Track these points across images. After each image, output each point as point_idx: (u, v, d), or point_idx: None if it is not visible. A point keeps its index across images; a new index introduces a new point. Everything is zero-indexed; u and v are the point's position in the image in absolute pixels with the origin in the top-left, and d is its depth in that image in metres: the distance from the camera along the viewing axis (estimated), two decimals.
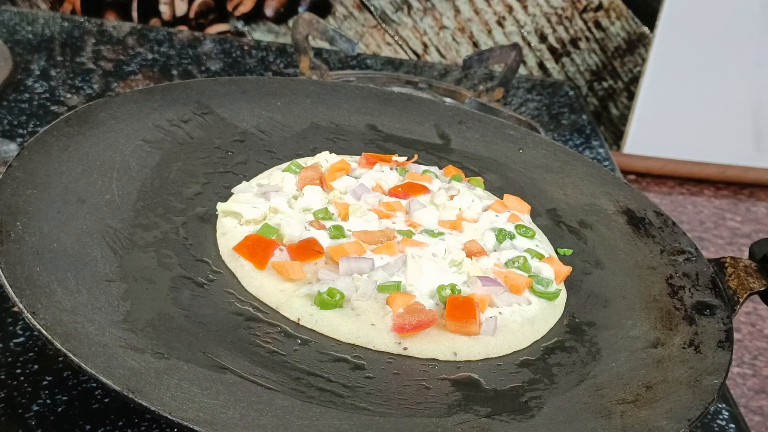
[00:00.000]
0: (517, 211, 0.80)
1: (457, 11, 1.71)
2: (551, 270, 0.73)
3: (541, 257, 0.75)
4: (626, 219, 0.85)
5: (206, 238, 0.71)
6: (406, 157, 0.85)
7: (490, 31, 1.73)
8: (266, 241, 0.69)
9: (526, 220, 0.80)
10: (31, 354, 0.68)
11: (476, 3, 1.71)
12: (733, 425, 0.75)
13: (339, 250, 0.69)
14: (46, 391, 0.64)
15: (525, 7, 1.72)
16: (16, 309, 0.65)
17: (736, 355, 1.59)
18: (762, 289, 0.75)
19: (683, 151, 1.93)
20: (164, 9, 1.70)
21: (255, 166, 0.82)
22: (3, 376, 0.65)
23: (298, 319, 0.65)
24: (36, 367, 0.66)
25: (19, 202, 0.67)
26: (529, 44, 1.75)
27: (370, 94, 0.96)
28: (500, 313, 0.68)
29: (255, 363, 0.59)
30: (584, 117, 1.35)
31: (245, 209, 0.73)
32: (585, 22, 1.75)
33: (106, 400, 0.64)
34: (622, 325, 0.71)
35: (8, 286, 0.58)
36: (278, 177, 0.78)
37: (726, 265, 0.78)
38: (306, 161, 0.81)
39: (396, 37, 1.71)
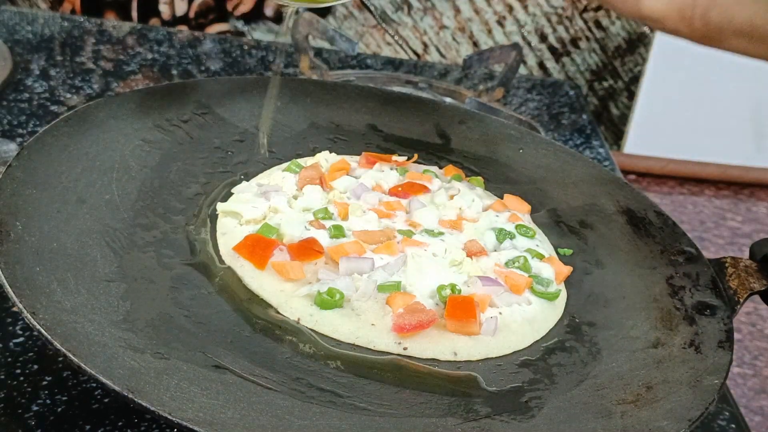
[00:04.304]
0: (517, 211, 0.80)
1: (457, 11, 1.71)
2: (551, 270, 0.73)
3: (541, 257, 0.75)
4: (626, 219, 0.85)
5: (206, 238, 0.71)
6: (406, 157, 0.85)
7: (490, 31, 1.73)
8: (266, 241, 0.69)
9: (526, 220, 0.80)
10: (30, 354, 0.68)
11: (476, 3, 1.71)
12: (733, 425, 0.75)
13: (339, 250, 0.69)
14: (46, 391, 0.64)
15: (525, 7, 1.72)
16: (16, 309, 0.65)
17: (736, 355, 1.58)
18: (762, 289, 0.75)
19: (683, 151, 1.93)
20: (164, 9, 1.70)
21: (255, 166, 0.82)
22: (3, 376, 0.65)
23: (298, 319, 0.65)
24: (36, 367, 0.66)
25: (18, 202, 0.66)
26: (529, 44, 1.75)
27: (370, 94, 0.96)
28: (500, 313, 0.68)
29: (255, 363, 0.59)
30: (584, 117, 1.35)
31: (245, 209, 0.73)
32: (585, 22, 1.75)
33: (106, 400, 0.64)
34: (623, 325, 0.71)
35: (8, 286, 0.58)
36: (278, 177, 0.78)
37: (726, 265, 0.78)
38: (306, 161, 0.81)
39: (396, 37, 1.71)
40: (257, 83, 0.93)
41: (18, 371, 0.66)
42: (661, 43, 1.77)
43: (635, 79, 1.80)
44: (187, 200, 0.75)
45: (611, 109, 1.82)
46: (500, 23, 1.72)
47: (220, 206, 0.74)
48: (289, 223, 0.71)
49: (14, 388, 0.64)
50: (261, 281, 0.67)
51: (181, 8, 1.70)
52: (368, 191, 0.77)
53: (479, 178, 0.86)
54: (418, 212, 0.76)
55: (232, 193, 0.76)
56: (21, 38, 1.23)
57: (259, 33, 1.73)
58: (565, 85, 1.47)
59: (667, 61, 1.79)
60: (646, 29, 1.77)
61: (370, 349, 0.64)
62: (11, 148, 0.80)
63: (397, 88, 1.11)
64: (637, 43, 1.77)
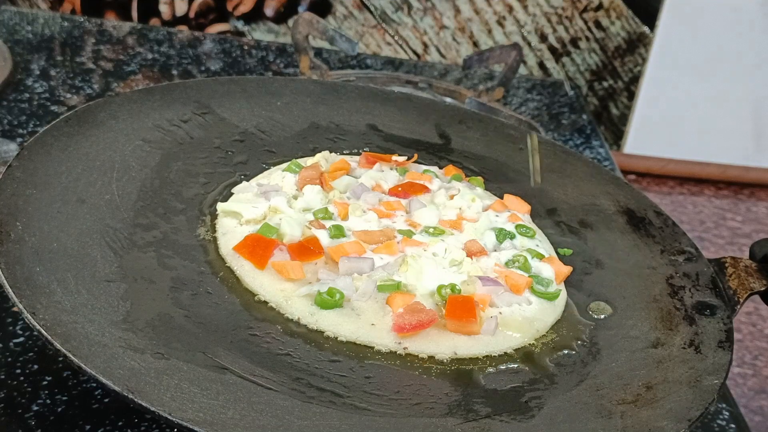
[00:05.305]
0: (517, 211, 0.80)
1: (457, 11, 1.71)
2: (551, 270, 0.73)
3: (541, 257, 0.75)
4: (626, 219, 0.85)
5: (206, 239, 0.71)
6: (406, 157, 0.85)
7: (490, 31, 1.73)
8: (266, 241, 0.69)
9: (526, 220, 0.80)
10: (30, 354, 0.68)
11: (476, 3, 1.71)
12: (733, 425, 0.75)
13: (339, 249, 0.69)
14: (46, 391, 0.64)
15: (525, 7, 1.72)
16: (16, 309, 0.65)
17: (736, 355, 1.58)
18: (762, 289, 0.75)
19: (683, 151, 1.93)
20: (164, 9, 1.70)
21: (255, 166, 0.82)
22: (3, 376, 0.65)
23: (298, 319, 0.65)
24: (36, 367, 0.66)
25: (19, 202, 0.66)
26: (529, 44, 1.75)
27: (370, 94, 0.96)
28: (500, 312, 0.68)
29: (255, 363, 0.59)
30: (584, 117, 1.35)
31: (245, 209, 0.73)
32: (585, 22, 1.75)
33: (106, 400, 0.64)
34: (622, 325, 0.71)
35: (8, 286, 0.58)
36: (278, 177, 0.78)
37: (726, 265, 0.78)
38: (306, 161, 0.81)
39: (396, 37, 1.71)
40: (257, 83, 0.93)
41: (18, 371, 0.66)
42: (661, 43, 1.77)
43: (635, 79, 1.80)
44: (187, 200, 0.75)
45: (611, 109, 1.82)
46: (500, 23, 1.72)
47: (220, 206, 0.74)
48: (289, 223, 0.71)
49: (14, 388, 0.64)
50: (261, 281, 0.67)
51: (181, 8, 1.70)
52: (368, 191, 0.77)
53: (479, 178, 0.86)
54: (418, 212, 0.76)
55: (232, 193, 0.76)
56: (21, 38, 1.23)
57: (259, 33, 1.72)
58: (565, 85, 1.47)
59: (667, 61, 1.79)
60: (646, 29, 1.77)
61: (370, 349, 0.64)
62: (11, 148, 0.80)
63: (397, 88, 1.11)
64: (637, 43, 1.77)
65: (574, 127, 1.31)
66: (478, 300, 0.67)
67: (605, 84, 1.81)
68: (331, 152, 0.83)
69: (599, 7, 1.74)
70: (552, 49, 1.76)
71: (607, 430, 0.59)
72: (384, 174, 0.80)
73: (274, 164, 0.82)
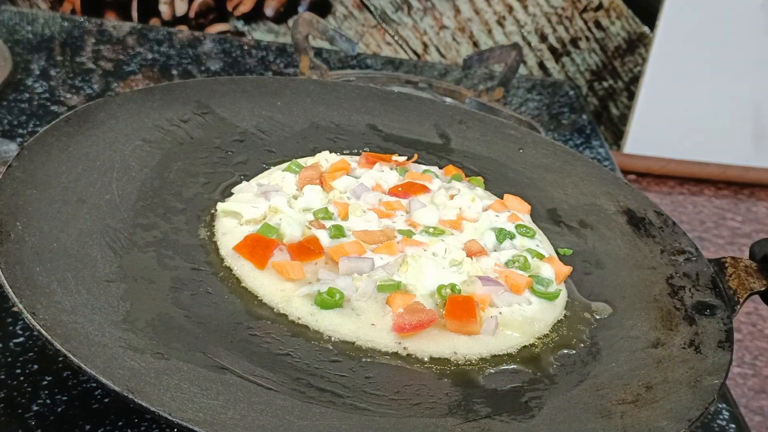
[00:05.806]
0: (517, 211, 0.80)
1: (457, 11, 1.71)
2: (551, 270, 0.73)
3: (541, 257, 0.75)
4: (626, 219, 0.85)
5: (206, 239, 0.71)
6: (406, 157, 0.85)
7: (490, 31, 1.73)
8: (266, 241, 0.69)
9: (526, 220, 0.80)
10: (30, 354, 0.68)
11: (476, 3, 1.71)
12: (733, 425, 0.75)
13: (339, 249, 0.69)
14: (46, 391, 0.64)
15: (525, 7, 1.72)
16: (16, 309, 0.65)
17: (736, 355, 1.58)
18: (762, 289, 0.75)
19: (683, 151, 1.93)
20: (164, 9, 1.70)
21: (255, 166, 0.82)
22: (3, 376, 0.65)
23: (299, 319, 0.65)
24: (36, 367, 0.66)
25: (19, 202, 0.66)
26: (529, 44, 1.75)
27: (370, 94, 0.96)
28: (500, 312, 0.68)
29: (255, 363, 0.59)
30: (584, 117, 1.35)
31: (245, 209, 0.73)
32: (585, 22, 1.75)
33: (106, 400, 0.64)
34: (622, 325, 0.71)
35: (8, 286, 0.58)
36: (278, 177, 0.78)
37: (726, 265, 0.78)
38: (306, 161, 0.81)
39: (396, 37, 1.71)
40: (257, 83, 0.93)
41: (18, 371, 0.66)
42: (661, 43, 1.77)
43: (635, 79, 1.80)
44: (187, 200, 0.75)
45: (611, 109, 1.82)
46: (500, 23, 1.72)
47: (220, 206, 0.74)
48: (289, 223, 0.71)
49: (14, 388, 0.64)
50: (261, 281, 0.67)
51: (181, 8, 1.70)
52: (368, 191, 0.77)
53: (479, 178, 0.86)
54: (418, 212, 0.76)
55: (232, 193, 0.76)
56: (21, 38, 1.23)
57: (259, 33, 1.72)
58: (565, 86, 1.47)
59: (667, 61, 1.79)
60: (646, 29, 1.77)
61: (370, 349, 0.64)
62: (11, 148, 0.80)
63: (397, 88, 1.11)
64: (637, 43, 1.77)
65: (574, 127, 1.31)
66: (478, 300, 0.67)
67: (605, 84, 1.81)
68: (331, 152, 0.83)
69: (599, 7, 1.74)
70: (552, 49, 1.76)
71: (607, 430, 0.59)
72: (384, 174, 0.80)
73: (274, 164, 0.82)
